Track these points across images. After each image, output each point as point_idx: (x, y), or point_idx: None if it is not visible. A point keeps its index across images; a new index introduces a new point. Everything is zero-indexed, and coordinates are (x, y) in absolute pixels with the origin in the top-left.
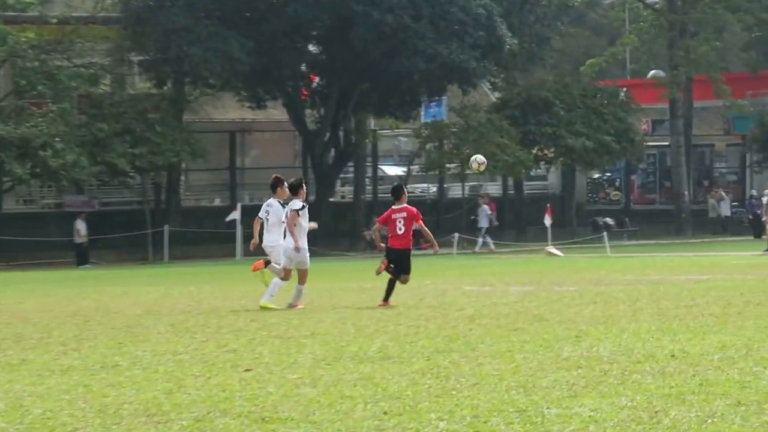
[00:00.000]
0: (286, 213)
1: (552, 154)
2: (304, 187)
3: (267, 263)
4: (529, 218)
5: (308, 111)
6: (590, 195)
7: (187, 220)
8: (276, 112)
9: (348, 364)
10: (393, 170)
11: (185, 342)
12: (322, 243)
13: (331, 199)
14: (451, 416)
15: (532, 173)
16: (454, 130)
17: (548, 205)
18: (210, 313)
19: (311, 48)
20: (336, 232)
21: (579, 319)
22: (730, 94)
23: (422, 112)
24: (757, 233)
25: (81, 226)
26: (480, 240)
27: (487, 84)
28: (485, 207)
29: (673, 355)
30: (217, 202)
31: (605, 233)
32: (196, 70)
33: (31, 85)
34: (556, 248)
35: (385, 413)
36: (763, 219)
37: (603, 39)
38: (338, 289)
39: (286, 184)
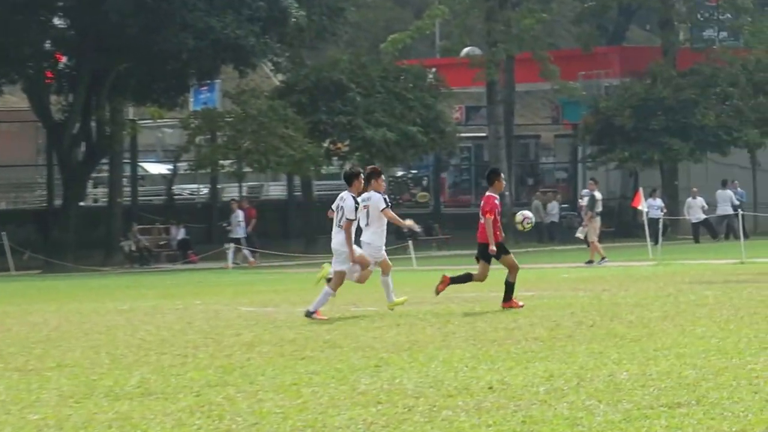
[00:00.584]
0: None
1: (347, 148)
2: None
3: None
4: (320, 225)
5: (53, 97)
6: (393, 197)
7: None
8: (14, 99)
9: (101, 401)
10: (156, 168)
11: None
12: (70, 256)
13: (82, 203)
14: None
15: (323, 171)
16: (230, 119)
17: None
18: None
19: (57, 21)
20: (88, 243)
21: (379, 345)
22: (559, 75)
23: (191, 99)
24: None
25: None
26: (230, 254)
27: (269, 64)
28: (239, 213)
29: (490, 388)
30: None
31: (410, 242)
32: None
33: None
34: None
35: None
36: (584, 224)
37: (408, 10)
38: (91, 312)
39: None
